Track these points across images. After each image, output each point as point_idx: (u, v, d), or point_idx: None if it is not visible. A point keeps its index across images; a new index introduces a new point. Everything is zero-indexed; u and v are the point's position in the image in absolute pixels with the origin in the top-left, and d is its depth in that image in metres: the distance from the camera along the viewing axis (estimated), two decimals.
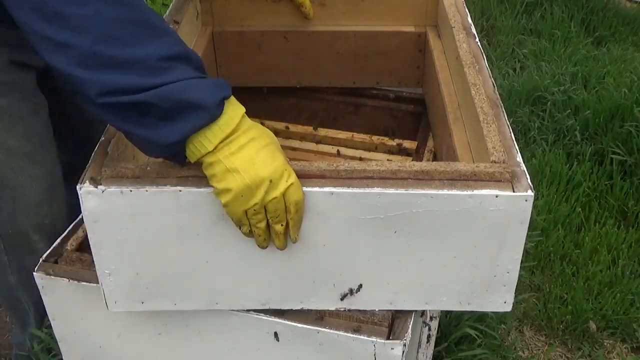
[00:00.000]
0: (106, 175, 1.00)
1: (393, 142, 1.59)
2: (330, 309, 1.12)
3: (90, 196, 0.99)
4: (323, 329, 1.11)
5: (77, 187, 0.99)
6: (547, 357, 2.03)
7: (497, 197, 0.99)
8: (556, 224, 2.41)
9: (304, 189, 0.98)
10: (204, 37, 1.57)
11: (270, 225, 0.98)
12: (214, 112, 0.91)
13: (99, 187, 0.99)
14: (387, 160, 1.55)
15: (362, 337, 1.09)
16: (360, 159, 1.57)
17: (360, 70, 1.63)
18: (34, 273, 1.18)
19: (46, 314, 1.59)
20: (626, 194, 2.56)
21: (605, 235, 2.38)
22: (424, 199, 0.99)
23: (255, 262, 1.06)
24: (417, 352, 1.36)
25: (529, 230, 2.31)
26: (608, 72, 3.17)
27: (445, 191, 0.99)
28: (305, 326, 1.12)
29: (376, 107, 1.69)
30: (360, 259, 1.06)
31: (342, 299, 1.10)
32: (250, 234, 0.99)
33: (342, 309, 1.12)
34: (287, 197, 0.96)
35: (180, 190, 0.99)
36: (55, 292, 1.20)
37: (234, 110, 0.94)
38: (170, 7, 1.44)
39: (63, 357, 1.31)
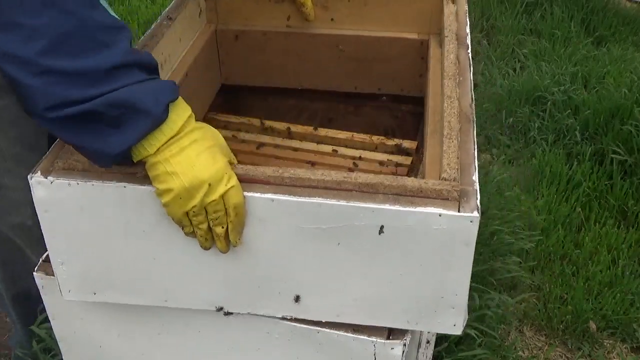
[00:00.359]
0: (58, 167, 1.01)
1: (393, 142, 1.59)
2: (277, 316, 1.10)
3: (40, 186, 1.00)
4: (323, 329, 1.10)
5: (28, 176, 1.00)
6: (547, 357, 2.03)
7: (440, 215, 0.94)
8: (556, 224, 2.41)
9: (245, 193, 0.97)
10: (207, 34, 1.57)
11: (211, 227, 0.98)
12: (159, 118, 0.91)
13: (49, 178, 1.00)
14: (387, 160, 1.56)
15: (362, 337, 1.09)
16: (360, 158, 1.57)
17: (362, 75, 1.62)
18: (34, 273, 1.18)
19: (29, 315, 1.62)
20: (626, 194, 2.56)
21: (605, 235, 2.38)
22: (365, 213, 0.96)
23: (202, 263, 1.05)
24: (417, 352, 1.36)
25: (529, 230, 2.33)
26: (608, 72, 3.17)
27: (387, 206, 0.95)
28: (305, 326, 1.11)
29: (376, 107, 1.69)
30: (303, 267, 1.04)
31: (288, 307, 1.08)
32: (192, 234, 0.99)
33: (288, 317, 1.10)
34: (227, 200, 0.96)
35: (125, 187, 0.99)
36: (55, 292, 1.19)
37: (178, 113, 0.94)
38: (170, 4, 1.45)
39: (63, 357, 1.30)
